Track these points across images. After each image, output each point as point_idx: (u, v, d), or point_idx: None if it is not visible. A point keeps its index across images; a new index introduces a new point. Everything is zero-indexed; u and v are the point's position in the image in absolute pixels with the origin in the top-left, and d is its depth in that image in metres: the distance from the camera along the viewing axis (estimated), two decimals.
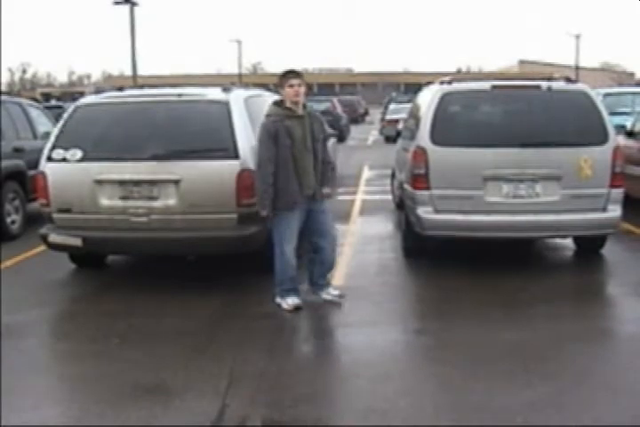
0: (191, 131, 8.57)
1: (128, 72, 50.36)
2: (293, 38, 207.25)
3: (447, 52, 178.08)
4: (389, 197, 14.18)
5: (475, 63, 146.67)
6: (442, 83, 9.45)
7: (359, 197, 15.71)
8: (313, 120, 7.82)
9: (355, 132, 40.07)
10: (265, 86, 11.95)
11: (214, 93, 8.88)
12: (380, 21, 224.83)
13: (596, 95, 9.48)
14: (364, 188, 17.34)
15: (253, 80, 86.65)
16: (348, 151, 27.56)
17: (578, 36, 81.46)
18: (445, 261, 9.65)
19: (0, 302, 8.01)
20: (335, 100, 42.01)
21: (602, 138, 8.99)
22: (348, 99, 58.30)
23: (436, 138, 8.93)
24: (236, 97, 8.84)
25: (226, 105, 8.54)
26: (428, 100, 9.30)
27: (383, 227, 11.83)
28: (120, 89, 9.70)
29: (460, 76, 53.25)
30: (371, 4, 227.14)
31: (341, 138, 32.77)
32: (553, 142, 8.96)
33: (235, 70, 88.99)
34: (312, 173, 7.73)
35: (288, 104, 7.66)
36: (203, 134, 8.55)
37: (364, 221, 12.92)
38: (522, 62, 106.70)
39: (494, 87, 9.23)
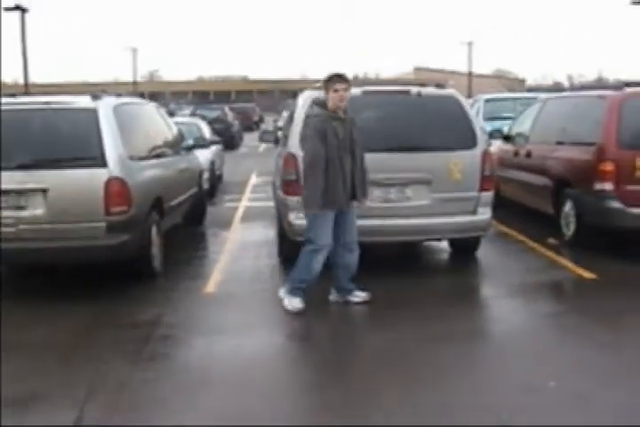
0: (59, 139, 8.48)
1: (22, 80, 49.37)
2: (190, 46, 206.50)
3: (346, 60, 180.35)
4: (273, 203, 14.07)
5: (372, 70, 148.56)
6: (314, 89, 9.47)
7: (243, 204, 15.66)
8: (352, 124, 7.83)
9: (248, 139, 39.96)
10: (161, 95, 11.75)
11: (82, 101, 8.77)
12: (276, 27, 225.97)
13: (466, 101, 9.65)
14: (249, 195, 17.31)
15: (149, 88, 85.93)
16: (238, 159, 27.52)
17: (470, 44, 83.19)
18: None
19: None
20: (226, 107, 42.01)
21: (471, 142, 9.15)
22: (241, 106, 58.31)
23: None
24: (106, 105, 8.76)
25: (94, 113, 8.45)
26: (299, 106, 9.32)
27: (263, 233, 11.84)
28: None
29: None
30: (261, 9, 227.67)
31: (232, 145, 32.73)
32: (423, 147, 9.09)
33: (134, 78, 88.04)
34: (350, 175, 7.73)
35: (331, 107, 7.65)
36: (70, 143, 8.45)
37: (244, 227, 12.90)
38: (417, 69, 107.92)
39: (365, 93, 9.28)
